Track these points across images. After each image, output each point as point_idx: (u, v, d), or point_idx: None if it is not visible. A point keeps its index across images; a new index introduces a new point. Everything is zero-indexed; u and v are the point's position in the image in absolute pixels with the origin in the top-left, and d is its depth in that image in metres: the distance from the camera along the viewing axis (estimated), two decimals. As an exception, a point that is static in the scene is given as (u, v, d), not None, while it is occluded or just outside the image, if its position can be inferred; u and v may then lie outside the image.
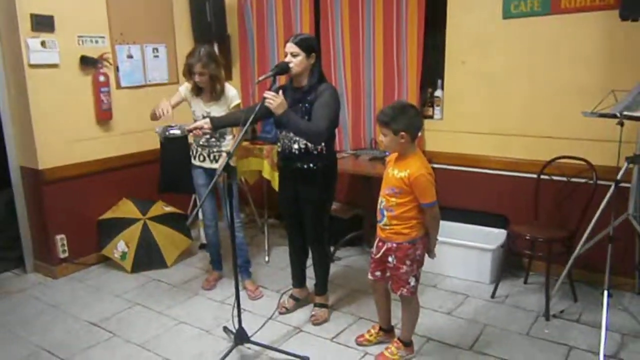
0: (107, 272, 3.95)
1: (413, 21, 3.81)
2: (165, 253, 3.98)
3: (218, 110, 3.30)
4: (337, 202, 4.44)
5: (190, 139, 3.36)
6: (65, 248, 3.88)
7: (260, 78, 2.69)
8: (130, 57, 4.18)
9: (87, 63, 3.84)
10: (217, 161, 3.38)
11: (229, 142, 3.39)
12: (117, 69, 4.08)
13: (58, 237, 3.83)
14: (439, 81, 3.96)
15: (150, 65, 4.32)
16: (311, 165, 2.93)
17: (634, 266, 3.28)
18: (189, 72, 3.26)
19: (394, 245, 2.54)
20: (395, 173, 2.49)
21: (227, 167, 2.54)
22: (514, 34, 3.52)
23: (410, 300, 2.64)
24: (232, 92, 3.36)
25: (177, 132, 3.13)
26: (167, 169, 3.31)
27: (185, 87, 3.40)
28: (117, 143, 4.12)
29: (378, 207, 2.59)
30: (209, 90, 3.31)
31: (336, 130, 4.29)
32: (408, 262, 2.54)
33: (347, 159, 4.11)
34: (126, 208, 4.10)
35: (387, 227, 2.54)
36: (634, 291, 3.35)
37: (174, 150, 3.23)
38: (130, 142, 4.19)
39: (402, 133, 2.41)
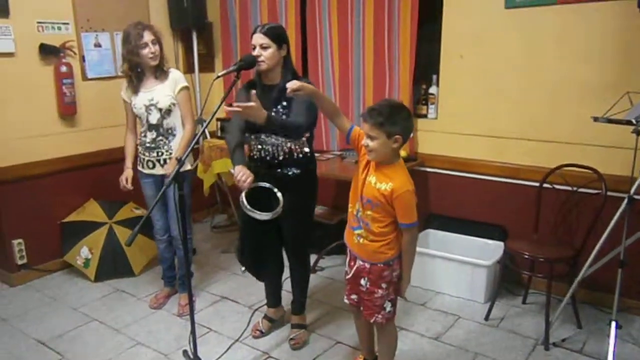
0: (68, 280, 3.63)
1: (406, 9, 3.42)
2: (133, 261, 3.66)
3: (161, 94, 2.93)
4: (323, 206, 4.11)
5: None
6: (24, 253, 3.57)
7: (221, 73, 2.32)
8: (98, 45, 3.83)
9: (48, 52, 3.50)
10: None
11: (178, 141, 3.00)
12: (82, 59, 3.74)
13: (15, 241, 3.52)
14: (434, 77, 3.59)
15: (121, 55, 3.95)
16: (296, 170, 2.59)
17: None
18: (134, 54, 2.86)
19: (367, 266, 2.20)
20: (372, 181, 2.11)
21: (178, 176, 2.18)
22: (517, 26, 3.14)
23: (386, 328, 2.30)
24: (177, 74, 3.01)
25: (265, 217, 2.44)
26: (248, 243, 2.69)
27: (124, 91, 3.04)
28: (83, 140, 3.79)
29: (353, 212, 2.22)
30: (154, 70, 2.93)
31: (322, 129, 4.05)
32: (384, 285, 2.20)
33: (334, 161, 3.79)
34: (92, 210, 3.77)
35: (362, 239, 2.18)
36: (645, 316, 3.02)
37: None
38: (97, 138, 3.85)
39: (397, 137, 2.03)
